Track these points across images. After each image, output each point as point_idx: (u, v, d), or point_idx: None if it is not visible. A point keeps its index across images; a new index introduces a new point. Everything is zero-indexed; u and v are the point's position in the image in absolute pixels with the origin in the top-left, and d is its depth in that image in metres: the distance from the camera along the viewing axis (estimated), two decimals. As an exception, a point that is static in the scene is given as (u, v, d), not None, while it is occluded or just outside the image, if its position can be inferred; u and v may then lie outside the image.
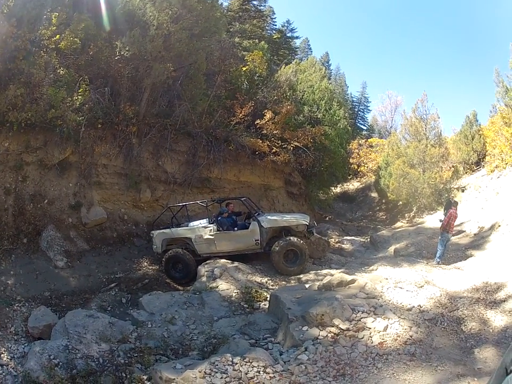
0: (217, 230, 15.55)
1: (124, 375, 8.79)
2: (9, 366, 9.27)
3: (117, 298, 13.53)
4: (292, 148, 23.50)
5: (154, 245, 16.19)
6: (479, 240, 17.26)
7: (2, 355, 9.62)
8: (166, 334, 10.61)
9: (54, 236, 15.45)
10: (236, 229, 15.74)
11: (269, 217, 16.13)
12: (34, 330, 10.89)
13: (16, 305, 11.98)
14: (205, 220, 16.16)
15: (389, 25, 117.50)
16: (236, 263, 14.75)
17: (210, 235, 15.50)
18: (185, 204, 17.23)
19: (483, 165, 27.85)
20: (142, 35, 16.81)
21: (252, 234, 15.40)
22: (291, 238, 15.29)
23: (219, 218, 15.89)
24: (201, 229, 15.76)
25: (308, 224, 15.83)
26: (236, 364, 7.91)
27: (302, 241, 15.45)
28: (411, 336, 8.50)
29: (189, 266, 15.49)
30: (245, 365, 7.90)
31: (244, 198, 17.30)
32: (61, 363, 8.91)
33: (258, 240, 15.30)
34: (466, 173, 28.88)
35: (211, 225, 15.66)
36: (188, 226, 16.31)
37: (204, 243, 15.63)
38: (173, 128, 19.55)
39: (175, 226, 16.46)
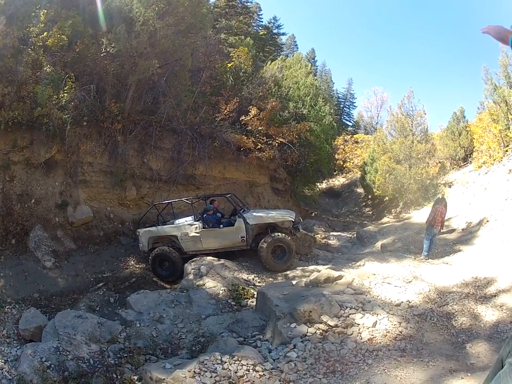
0: (203, 228, 15.49)
1: (115, 376, 8.74)
2: (4, 369, 9.20)
3: (105, 298, 13.53)
4: (277, 144, 23.53)
5: (140, 243, 16.15)
6: (467, 235, 17.34)
7: (-4, 359, 9.61)
8: (155, 333, 10.56)
9: (42, 236, 15.39)
10: (221, 226, 15.68)
11: (254, 213, 16.16)
12: (25, 333, 10.83)
13: (7, 307, 11.91)
14: (190, 217, 16.14)
15: (375, 22, 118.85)
16: (222, 260, 14.68)
17: (196, 233, 15.46)
18: (171, 202, 17.18)
19: (470, 161, 28.17)
20: (127, 31, 16.75)
21: (237, 231, 15.35)
22: (278, 234, 15.35)
23: (204, 215, 15.84)
24: (187, 226, 15.73)
25: (293, 220, 15.85)
26: (225, 362, 7.86)
27: (289, 238, 15.53)
28: (401, 332, 8.50)
29: (176, 264, 15.47)
30: (234, 363, 7.86)
31: (229, 195, 17.27)
32: (52, 365, 8.87)
33: (244, 237, 15.26)
34: (453, 168, 29.19)
35: (196, 222, 15.62)
36: (173, 224, 16.34)
37: (189, 241, 15.59)
38: (158, 125, 19.54)
39: (161, 224, 16.49)
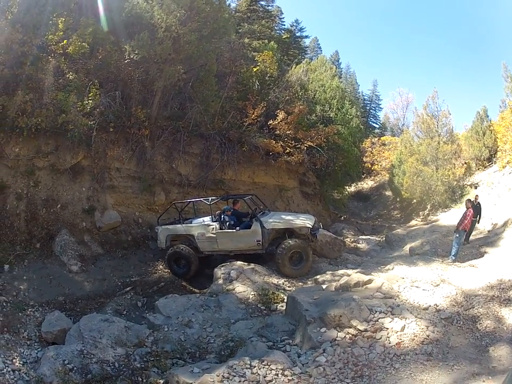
0: (220, 229, 15.41)
1: (140, 379, 8.67)
2: (21, 371, 9.13)
3: (133, 302, 13.48)
4: (305, 147, 23.36)
5: (158, 240, 16.26)
6: (492, 237, 17.13)
7: (14, 360, 9.47)
8: (183, 338, 10.48)
9: (68, 240, 15.48)
10: (238, 228, 15.41)
11: (272, 217, 15.88)
12: (48, 335, 10.77)
13: (29, 310, 11.91)
14: (208, 217, 16.10)
15: (397, 23, 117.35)
16: (252, 265, 14.60)
17: (212, 233, 15.42)
18: (190, 201, 17.20)
19: (495, 161, 27.67)
20: (150, 38, 16.76)
21: (253, 234, 15.11)
22: (296, 240, 15.05)
23: (222, 216, 15.76)
24: (204, 226, 15.71)
25: (311, 227, 15.43)
26: (254, 367, 7.78)
27: (305, 243, 15.28)
28: (428, 336, 8.41)
29: (191, 263, 15.51)
30: (263, 368, 7.78)
31: (249, 196, 17.07)
32: (75, 368, 8.80)
33: (260, 241, 15.03)
34: (478, 169, 28.61)
35: (214, 223, 15.55)
36: (191, 223, 16.31)
37: (206, 241, 15.57)
38: (185, 131, 19.56)
39: (179, 222, 16.39)
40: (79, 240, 15.91)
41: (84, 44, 16.28)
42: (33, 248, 14.79)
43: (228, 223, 15.51)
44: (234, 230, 15.30)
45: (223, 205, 16.87)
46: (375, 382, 7.39)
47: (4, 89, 15.08)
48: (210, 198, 16.25)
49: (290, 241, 14.93)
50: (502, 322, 8.81)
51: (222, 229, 15.41)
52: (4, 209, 15.11)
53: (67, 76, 16.16)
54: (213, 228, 15.43)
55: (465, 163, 28.26)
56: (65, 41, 16.07)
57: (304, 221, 15.71)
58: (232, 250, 15.53)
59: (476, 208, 16.30)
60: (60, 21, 16.14)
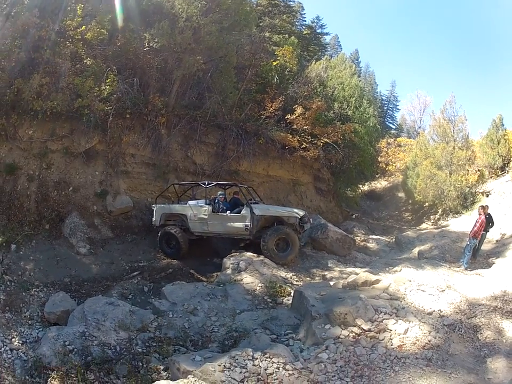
0: (212, 211, 15.84)
1: (141, 364, 8.71)
2: (20, 350, 9.22)
3: (139, 287, 13.49)
4: (321, 144, 23.30)
5: (154, 218, 16.64)
6: (500, 247, 17.03)
7: (13, 339, 9.57)
8: (187, 325, 10.52)
9: (78, 223, 15.61)
10: (228, 212, 15.78)
11: (262, 206, 16.29)
12: (50, 316, 10.85)
13: (34, 290, 12.02)
14: (203, 200, 16.53)
15: (418, 24, 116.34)
16: (262, 257, 14.67)
17: (204, 215, 15.84)
18: (188, 183, 17.91)
19: (507, 170, 27.33)
20: (171, 27, 16.87)
21: (242, 219, 15.42)
22: (281, 226, 15.37)
23: (215, 200, 16.20)
24: (197, 208, 16.13)
25: (299, 217, 15.64)
26: (256, 359, 7.77)
27: (292, 231, 15.40)
28: (429, 341, 8.39)
29: (181, 244, 15.93)
30: (265, 360, 7.77)
31: (245, 186, 17.41)
32: (75, 349, 8.84)
33: (248, 226, 15.29)
34: (491, 177, 28.24)
35: (207, 206, 15.98)
36: (186, 204, 16.69)
37: (197, 222, 16.00)
38: (202, 120, 19.59)
39: (176, 203, 17.07)
40: (89, 223, 16.02)
41: (102, 30, 16.38)
42: (42, 229, 14.88)
43: (221, 208, 15.91)
44: (225, 214, 15.65)
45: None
46: (374, 383, 7.40)
47: (19, 72, 15.23)
48: (206, 182, 16.58)
49: (277, 228, 15.27)
50: (502, 334, 8.80)
51: (214, 212, 15.80)
52: (14, 190, 15.28)
53: (85, 61, 16.25)
54: (206, 210, 15.87)
55: (479, 170, 27.90)
56: (83, 27, 16.13)
57: (292, 211, 16.03)
58: (221, 234, 16.02)
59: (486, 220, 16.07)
60: (78, 7, 16.27)
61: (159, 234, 16.22)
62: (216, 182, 17.07)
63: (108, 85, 16.37)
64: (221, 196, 16.23)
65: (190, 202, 16.61)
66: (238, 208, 16.02)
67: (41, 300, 11.62)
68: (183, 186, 18.06)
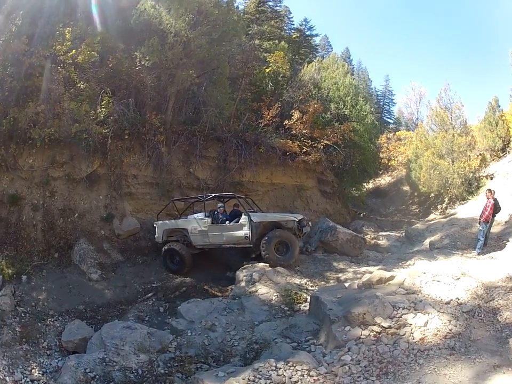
0: (211, 223, 16.04)
1: (164, 385, 8.62)
2: (41, 381, 9.16)
3: (155, 308, 13.45)
4: (322, 146, 23.29)
5: (156, 235, 16.80)
6: (510, 228, 16.88)
7: (33, 370, 9.49)
8: (207, 342, 10.44)
9: (87, 249, 15.53)
10: (227, 222, 16.04)
11: (259, 213, 16.55)
12: (68, 344, 10.80)
13: (49, 320, 11.94)
14: (202, 213, 16.59)
15: (405, 15, 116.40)
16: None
17: (204, 227, 15.99)
18: (188, 198, 17.94)
19: (509, 151, 27.23)
20: (160, 43, 16.89)
21: (241, 228, 15.54)
22: (279, 229, 15.49)
23: (215, 212, 16.41)
24: (197, 220, 16.25)
25: (297, 220, 15.76)
26: (280, 368, 7.77)
27: (291, 234, 15.49)
28: (450, 330, 8.34)
29: (184, 259, 16.06)
30: (289, 369, 7.77)
31: (243, 198, 17.64)
32: (97, 376, 8.76)
33: (247, 234, 15.38)
34: (493, 160, 28.13)
35: (206, 218, 16.12)
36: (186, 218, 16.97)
37: (198, 234, 16.12)
38: (201, 135, 19.56)
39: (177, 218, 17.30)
40: (98, 248, 15.95)
41: (93, 52, 16.36)
42: (51, 258, 14.83)
43: (220, 219, 16.16)
44: (224, 224, 15.92)
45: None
46: (399, 378, 7.36)
47: (14, 101, 15.21)
48: (204, 195, 16.82)
49: (275, 231, 15.35)
50: (521, 313, 8.74)
51: (214, 223, 16.01)
52: (19, 221, 15.18)
53: (78, 85, 16.27)
54: (205, 222, 16.02)
55: (480, 154, 27.85)
56: (73, 50, 16.13)
57: (289, 216, 16.27)
58: (222, 244, 16.05)
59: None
60: (66, 31, 16.24)
61: (162, 251, 16.31)
62: (213, 195, 17.13)
63: (103, 108, 16.37)
64: (220, 208, 16.45)
65: (190, 216, 16.74)
66: (237, 218, 16.08)
67: (57, 329, 11.56)
68: (185, 202, 18.13)
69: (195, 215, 16.63)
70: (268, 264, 14.86)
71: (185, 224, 16.41)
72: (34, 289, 13.30)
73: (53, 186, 16.03)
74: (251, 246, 15.63)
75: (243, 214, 15.82)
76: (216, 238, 15.87)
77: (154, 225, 16.83)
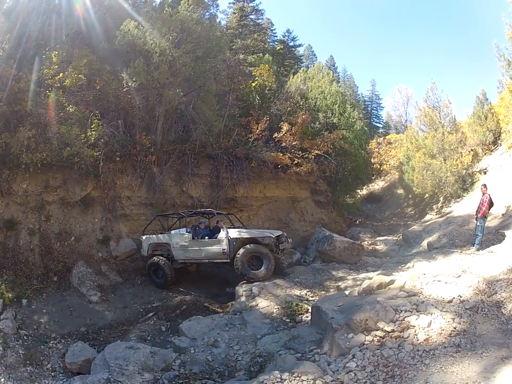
0: (192, 238, 16.35)
1: (171, 403, 8.54)
2: None
3: (156, 327, 13.41)
4: (313, 156, 23.29)
5: (142, 249, 17.26)
6: (507, 220, 16.94)
7: (39, 392, 9.45)
8: (210, 358, 10.39)
9: (85, 272, 15.58)
10: (207, 238, 16.32)
11: (237, 230, 16.57)
12: (72, 366, 10.76)
13: (52, 342, 11.92)
14: (184, 228, 16.96)
15: (386, 20, 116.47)
16: (274, 280, 14.80)
17: (185, 242, 16.36)
18: (171, 214, 18.27)
19: (500, 143, 27.31)
20: (146, 64, 16.99)
21: (219, 243, 15.83)
22: (251, 244, 15.64)
23: (196, 228, 16.75)
24: (179, 236, 16.71)
25: (273, 237, 15.82)
26: (285, 380, 7.74)
27: (266, 249, 15.63)
28: (455, 328, 8.31)
29: (166, 273, 16.34)
30: (294, 380, 7.73)
31: (224, 214, 18.06)
32: (103, 397, 8.71)
33: (225, 249, 15.67)
34: (485, 154, 28.28)
35: (187, 233, 16.47)
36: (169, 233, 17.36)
37: (180, 249, 16.47)
38: (192, 153, 19.67)
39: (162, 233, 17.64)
40: (97, 271, 16.02)
41: (80, 75, 16.44)
42: (50, 281, 14.83)
43: (200, 234, 16.46)
44: (203, 240, 16.23)
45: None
46: (406, 380, 7.29)
47: (5, 126, 15.28)
48: (186, 212, 17.29)
49: (248, 246, 15.56)
50: (524, 303, 8.74)
51: (194, 239, 16.31)
52: (17, 245, 15.22)
53: (67, 108, 16.24)
54: (186, 237, 16.40)
55: (472, 150, 28.01)
56: (61, 74, 16.21)
57: (266, 232, 16.34)
58: (201, 259, 16.41)
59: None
60: (53, 54, 16.32)
61: (146, 265, 16.66)
62: (194, 211, 17.50)
63: (93, 130, 16.38)
64: (201, 224, 16.80)
65: (174, 231, 17.05)
66: (217, 234, 16.23)
67: (60, 352, 11.54)
68: (172, 218, 18.37)
69: (177, 230, 16.97)
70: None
71: (168, 239, 16.77)
72: (35, 313, 13.29)
73: (48, 210, 16.08)
74: (228, 261, 15.70)
75: (221, 230, 15.96)
76: (196, 253, 16.23)
77: (141, 239, 17.11)
